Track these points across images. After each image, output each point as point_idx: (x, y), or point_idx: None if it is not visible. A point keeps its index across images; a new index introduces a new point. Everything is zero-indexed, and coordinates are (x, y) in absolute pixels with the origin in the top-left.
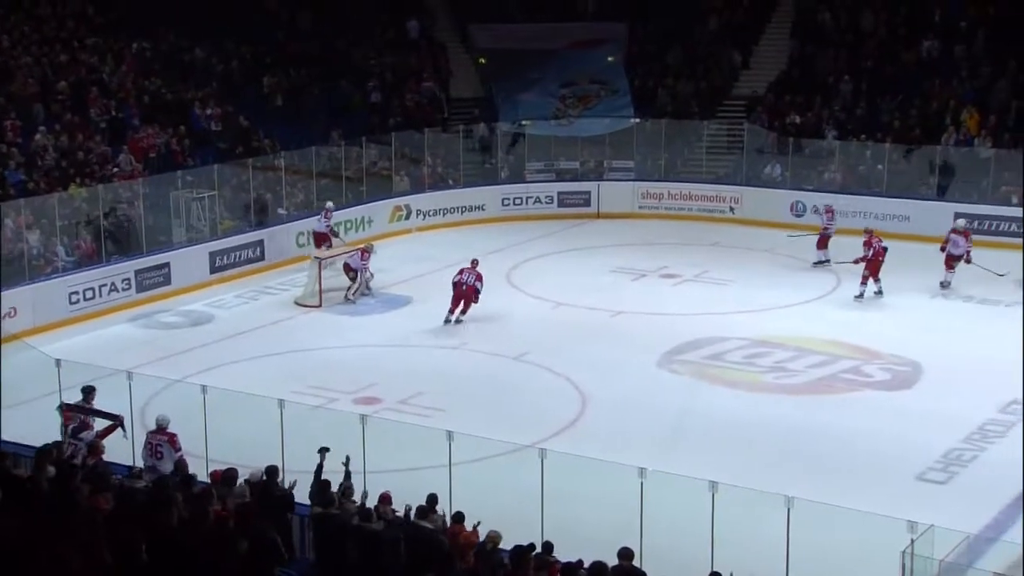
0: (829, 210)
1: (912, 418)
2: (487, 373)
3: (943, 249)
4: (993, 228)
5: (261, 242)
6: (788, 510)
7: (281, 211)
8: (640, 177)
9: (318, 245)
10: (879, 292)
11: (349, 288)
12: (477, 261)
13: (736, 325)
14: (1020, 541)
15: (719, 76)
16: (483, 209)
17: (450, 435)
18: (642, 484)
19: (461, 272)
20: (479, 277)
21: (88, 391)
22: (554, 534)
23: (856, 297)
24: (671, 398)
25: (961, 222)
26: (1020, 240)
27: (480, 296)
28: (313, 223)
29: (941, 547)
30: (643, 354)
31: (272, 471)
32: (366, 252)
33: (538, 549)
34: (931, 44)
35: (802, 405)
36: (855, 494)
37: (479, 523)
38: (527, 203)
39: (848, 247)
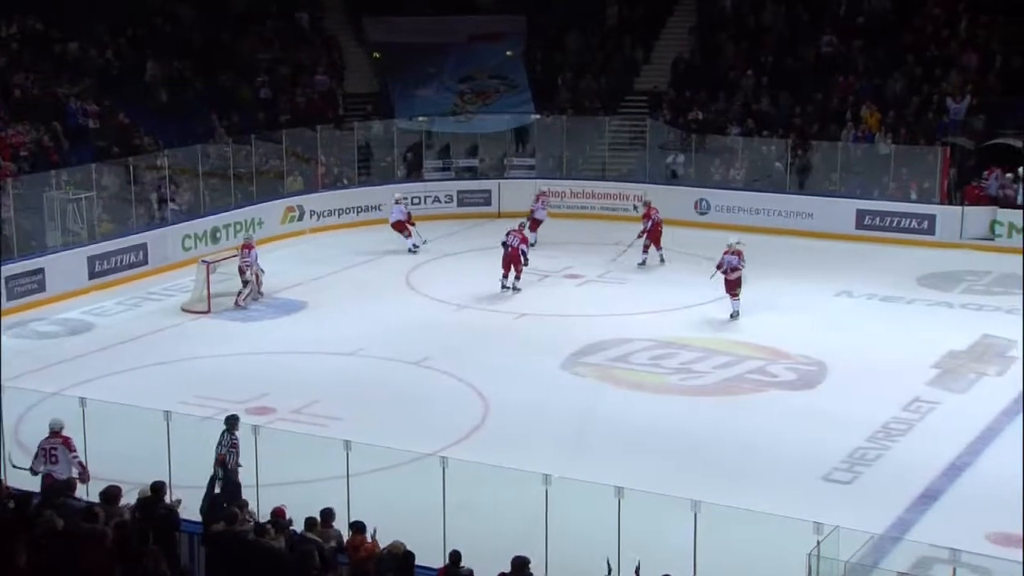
0: (541, 196)
1: (818, 418)
2: (386, 380)
3: (719, 269)
4: (895, 225)
5: (144, 246)
6: (695, 514)
7: (174, 206)
8: (541, 175)
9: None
10: (662, 260)
11: (239, 293)
12: (524, 224)
13: (641, 326)
14: (924, 540)
15: (620, 70)
16: (379, 209)
17: (347, 445)
18: (547, 491)
19: (508, 234)
20: (524, 240)
21: None
22: (458, 544)
23: (639, 264)
24: (576, 402)
25: (734, 239)
26: (920, 236)
27: (528, 258)
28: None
29: (847, 548)
30: (547, 357)
31: (158, 487)
32: (246, 247)
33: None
34: (830, 39)
35: (709, 407)
36: (762, 496)
37: (376, 530)
38: (426, 202)
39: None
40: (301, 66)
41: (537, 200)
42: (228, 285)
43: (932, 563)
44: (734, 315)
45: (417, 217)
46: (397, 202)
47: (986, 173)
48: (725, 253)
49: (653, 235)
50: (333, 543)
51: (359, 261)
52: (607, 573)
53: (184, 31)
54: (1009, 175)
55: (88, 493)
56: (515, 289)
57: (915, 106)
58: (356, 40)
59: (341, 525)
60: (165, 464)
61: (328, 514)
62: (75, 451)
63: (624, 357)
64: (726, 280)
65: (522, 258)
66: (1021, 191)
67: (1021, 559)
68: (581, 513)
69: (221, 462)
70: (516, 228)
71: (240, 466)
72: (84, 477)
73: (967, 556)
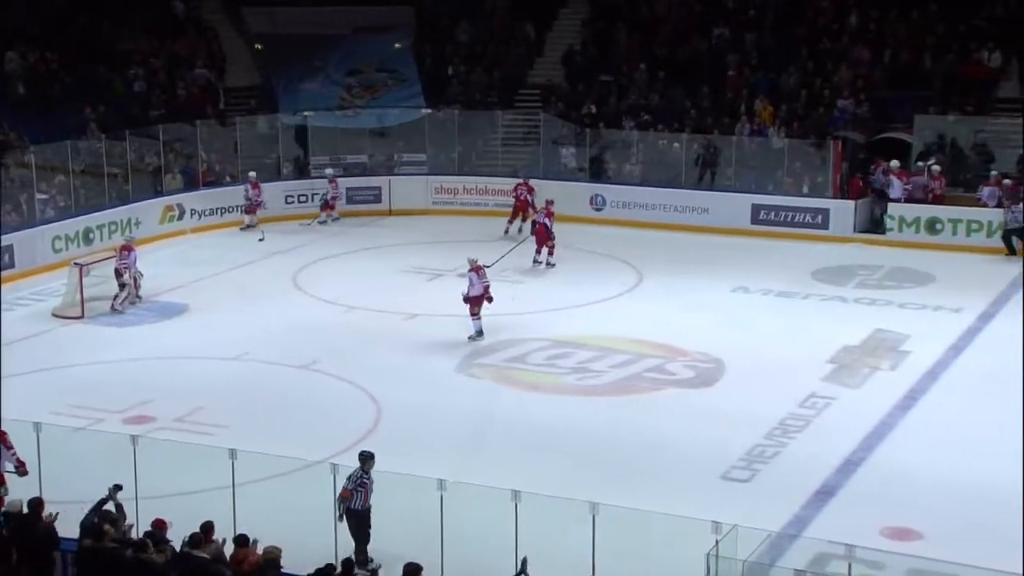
0: (333, 180)
1: (716, 416)
2: (273, 384)
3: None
4: (790, 219)
5: (10, 248)
6: (593, 516)
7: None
8: (433, 171)
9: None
10: (547, 265)
11: (116, 297)
12: (552, 200)
13: (537, 325)
14: (820, 536)
15: (513, 63)
16: (265, 208)
17: (233, 453)
18: (442, 496)
19: (536, 212)
20: (550, 214)
21: None
22: (351, 552)
23: (536, 264)
24: (471, 403)
25: (474, 257)
26: (814, 231)
27: (553, 233)
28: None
29: (745, 546)
30: (441, 358)
31: (35, 503)
32: (126, 249)
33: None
34: (722, 31)
35: (606, 406)
36: (661, 496)
37: (256, 541)
38: (313, 200)
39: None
40: (178, 58)
41: (331, 183)
42: (103, 289)
43: (829, 559)
44: (473, 336)
45: (303, 215)
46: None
47: (873, 167)
48: (469, 270)
49: (540, 236)
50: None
51: (243, 262)
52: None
53: (51, 20)
54: (891, 164)
55: None
56: (549, 264)
57: (806, 100)
58: (236, 31)
59: (226, 536)
60: (35, 478)
61: (208, 527)
62: (12, 448)
63: (520, 358)
64: (467, 297)
65: (549, 234)
66: (894, 183)
67: (915, 553)
68: (478, 518)
69: (344, 498)
70: (544, 205)
71: (369, 507)
72: (21, 471)
73: (862, 552)
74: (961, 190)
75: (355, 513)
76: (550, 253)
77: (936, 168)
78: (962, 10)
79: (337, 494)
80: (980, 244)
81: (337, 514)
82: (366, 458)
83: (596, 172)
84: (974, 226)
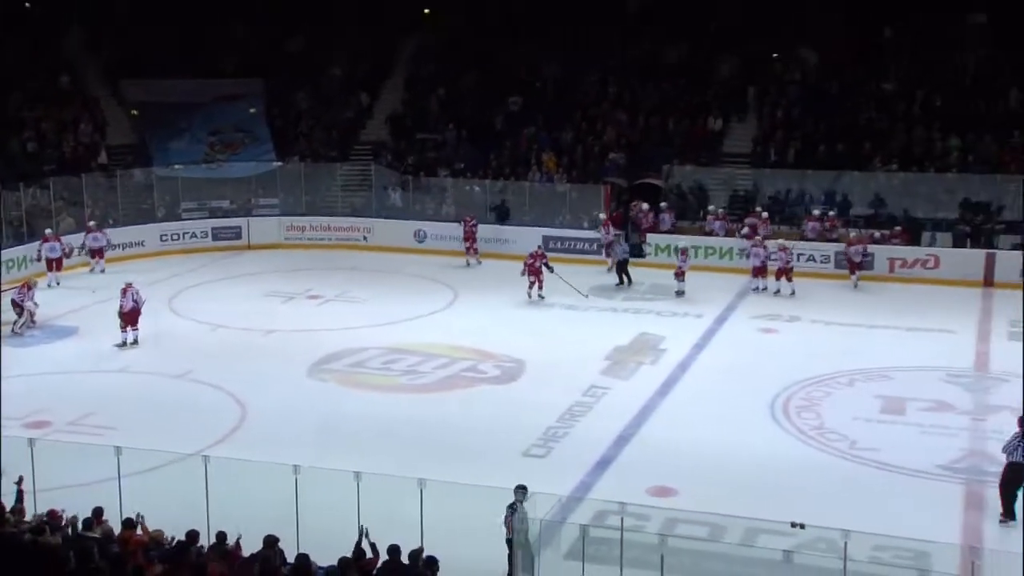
0: (92, 230)
1: (518, 405)
2: (154, 391)
3: None
4: (573, 247)
5: None
6: (421, 491)
7: None
8: (285, 212)
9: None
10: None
11: (15, 322)
12: (541, 246)
13: (373, 336)
14: (600, 498)
15: (347, 124)
16: (143, 245)
17: (118, 450)
18: (296, 480)
19: (530, 256)
20: (539, 256)
21: None
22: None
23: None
24: (321, 403)
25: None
26: (592, 256)
27: (548, 268)
28: None
29: (542, 508)
30: (294, 366)
31: None
32: (28, 287)
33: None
34: (515, 99)
35: (432, 401)
36: (476, 472)
37: (140, 514)
38: (184, 238)
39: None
40: (64, 123)
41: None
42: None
43: (607, 515)
44: (122, 345)
45: (176, 251)
46: None
47: (633, 204)
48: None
49: (532, 271)
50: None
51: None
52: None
53: None
54: (644, 205)
55: None
56: (541, 298)
57: (582, 153)
58: (116, 99)
59: (115, 522)
60: None
61: (98, 512)
62: None
63: (360, 363)
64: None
65: (543, 270)
66: (664, 219)
67: (673, 507)
68: (327, 497)
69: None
70: (536, 250)
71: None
72: None
73: (632, 507)
74: (689, 223)
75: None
76: (540, 287)
77: (719, 210)
78: (695, 86)
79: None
80: (714, 264)
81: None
82: (516, 490)
83: (418, 211)
84: (710, 251)
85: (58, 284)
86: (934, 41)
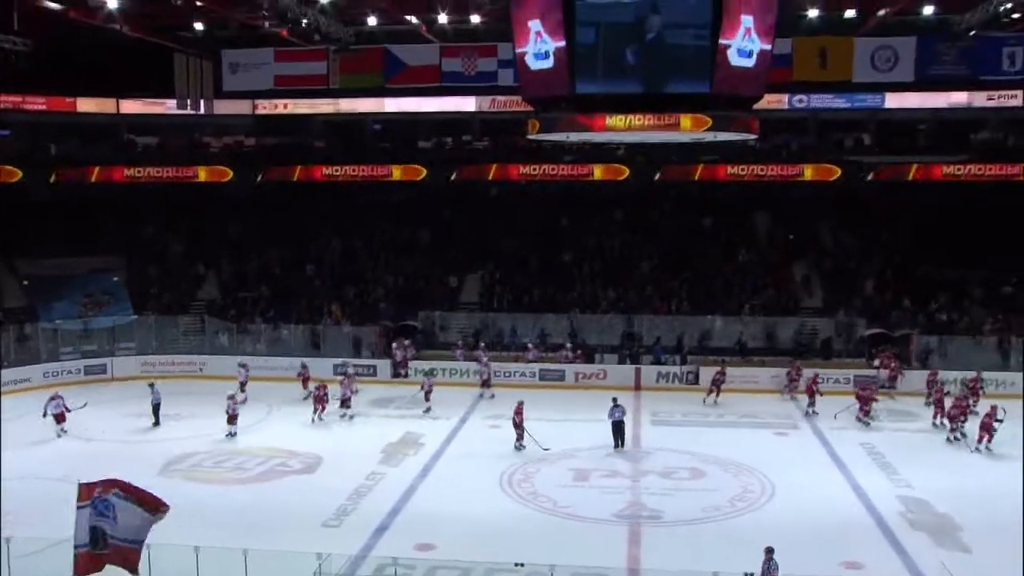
0: (346, 379)
1: (317, 489)
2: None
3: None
4: (364, 373)
5: None
6: (245, 559)
7: None
8: (140, 352)
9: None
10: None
11: None
12: (522, 402)
13: (205, 444)
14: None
15: (187, 287)
16: (29, 381)
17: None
18: (149, 555)
19: (516, 413)
20: (518, 411)
21: None
22: None
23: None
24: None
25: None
26: (372, 377)
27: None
28: None
29: (336, 566)
30: (147, 466)
31: None
32: None
33: None
34: (311, 267)
35: (254, 489)
36: (286, 541)
37: None
38: (62, 374)
39: None
40: None
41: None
42: None
43: (385, 567)
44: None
45: (54, 385)
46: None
47: (395, 342)
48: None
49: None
50: None
51: (20, 413)
52: None
53: None
54: (407, 341)
55: None
56: (522, 447)
57: (359, 304)
58: (11, 272)
59: None
60: None
61: None
62: None
63: (198, 463)
64: None
65: (521, 426)
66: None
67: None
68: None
69: None
70: (516, 406)
71: None
72: None
73: (403, 560)
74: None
75: None
76: (520, 439)
77: (459, 342)
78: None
79: None
80: (456, 381)
81: None
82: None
83: (240, 350)
84: (453, 372)
85: None
86: (589, 228)
